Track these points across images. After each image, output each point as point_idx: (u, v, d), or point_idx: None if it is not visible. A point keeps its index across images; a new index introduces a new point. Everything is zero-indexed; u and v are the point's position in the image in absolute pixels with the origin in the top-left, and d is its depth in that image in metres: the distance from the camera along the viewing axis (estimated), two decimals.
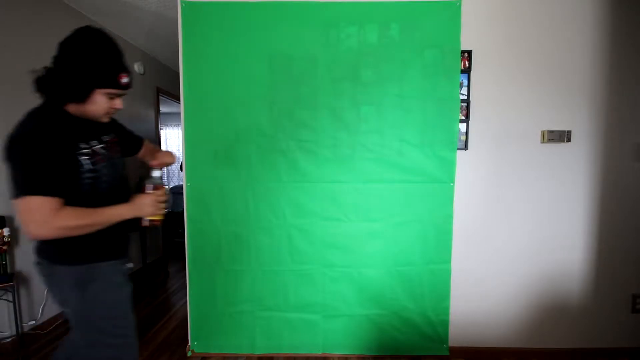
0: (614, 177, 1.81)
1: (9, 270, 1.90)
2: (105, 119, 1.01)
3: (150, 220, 1.06)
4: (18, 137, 0.84)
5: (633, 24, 1.75)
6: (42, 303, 2.16)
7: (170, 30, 2.71)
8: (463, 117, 1.79)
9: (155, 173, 1.10)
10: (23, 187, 0.83)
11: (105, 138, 1.04)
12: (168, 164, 1.27)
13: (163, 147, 5.36)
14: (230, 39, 1.74)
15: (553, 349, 1.88)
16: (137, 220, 1.03)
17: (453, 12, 1.72)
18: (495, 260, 1.86)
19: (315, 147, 1.78)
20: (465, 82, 1.78)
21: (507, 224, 1.84)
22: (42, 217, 0.83)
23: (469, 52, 1.75)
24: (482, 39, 1.76)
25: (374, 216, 1.81)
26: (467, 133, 1.80)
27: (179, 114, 1.94)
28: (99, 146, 0.99)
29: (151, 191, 1.05)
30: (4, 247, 1.82)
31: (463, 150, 1.80)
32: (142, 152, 1.30)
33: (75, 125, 0.94)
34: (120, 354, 1.04)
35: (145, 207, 1.01)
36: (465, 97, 1.78)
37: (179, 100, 1.82)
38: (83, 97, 0.91)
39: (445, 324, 1.86)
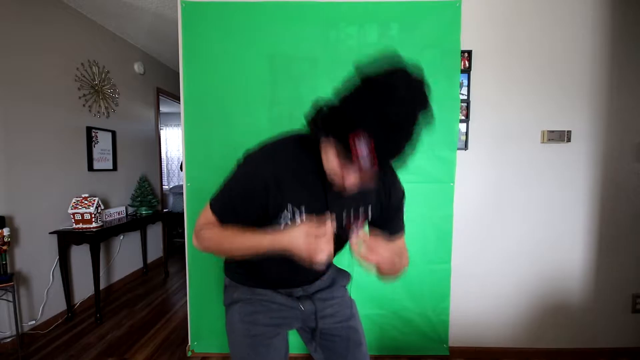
0: (614, 177, 1.81)
1: (9, 270, 1.90)
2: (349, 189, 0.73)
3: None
4: (250, 155, 0.82)
5: (634, 23, 1.75)
6: (42, 303, 2.16)
7: (170, 30, 2.72)
8: (463, 117, 1.79)
9: None
10: (213, 197, 0.82)
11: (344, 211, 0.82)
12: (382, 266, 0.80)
13: (163, 147, 5.37)
14: (230, 39, 1.74)
15: (553, 349, 1.88)
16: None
17: (453, 12, 1.72)
18: (495, 260, 1.86)
19: None
20: (465, 82, 1.77)
21: (507, 224, 1.84)
22: (197, 227, 0.82)
23: (469, 52, 1.75)
24: (482, 39, 1.76)
25: None
26: (467, 133, 1.80)
27: (179, 114, 1.95)
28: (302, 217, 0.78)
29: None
30: (4, 247, 1.82)
31: (463, 150, 1.80)
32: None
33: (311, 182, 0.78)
34: None
35: (296, 238, 0.70)
36: (465, 97, 1.78)
37: (179, 100, 1.82)
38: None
39: (445, 324, 1.86)
